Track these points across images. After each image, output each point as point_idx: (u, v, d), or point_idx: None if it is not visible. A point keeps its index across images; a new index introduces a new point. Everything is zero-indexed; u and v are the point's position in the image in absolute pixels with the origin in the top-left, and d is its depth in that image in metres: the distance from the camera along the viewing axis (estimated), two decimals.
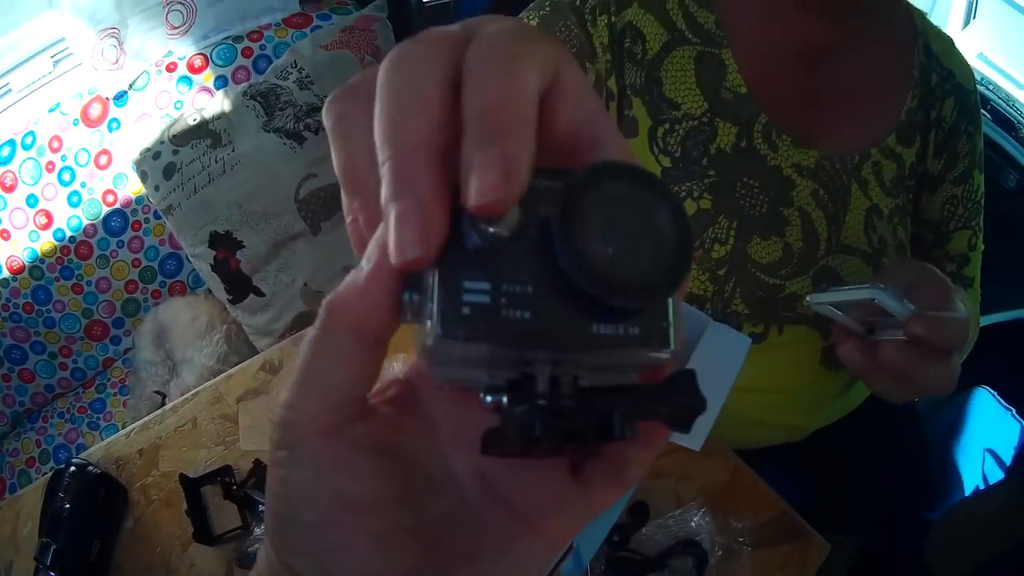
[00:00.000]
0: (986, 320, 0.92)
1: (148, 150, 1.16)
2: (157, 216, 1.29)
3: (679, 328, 0.21)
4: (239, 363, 0.83)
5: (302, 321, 1.25)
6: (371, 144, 0.20)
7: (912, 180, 0.76)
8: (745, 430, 0.81)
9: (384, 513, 0.22)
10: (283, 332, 1.25)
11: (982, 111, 0.84)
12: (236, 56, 1.24)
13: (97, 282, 1.33)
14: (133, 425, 0.79)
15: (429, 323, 0.19)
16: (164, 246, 1.35)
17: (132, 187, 1.28)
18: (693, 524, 0.66)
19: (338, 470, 0.21)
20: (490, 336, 0.19)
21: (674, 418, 0.22)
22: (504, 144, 0.18)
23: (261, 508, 0.69)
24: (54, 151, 1.27)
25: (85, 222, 1.29)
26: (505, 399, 0.21)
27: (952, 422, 1.20)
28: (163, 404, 0.89)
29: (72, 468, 0.74)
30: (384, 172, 0.19)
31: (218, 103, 1.19)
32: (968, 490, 1.14)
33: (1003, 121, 1.29)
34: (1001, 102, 1.30)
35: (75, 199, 1.29)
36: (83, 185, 1.28)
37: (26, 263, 1.30)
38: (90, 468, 0.74)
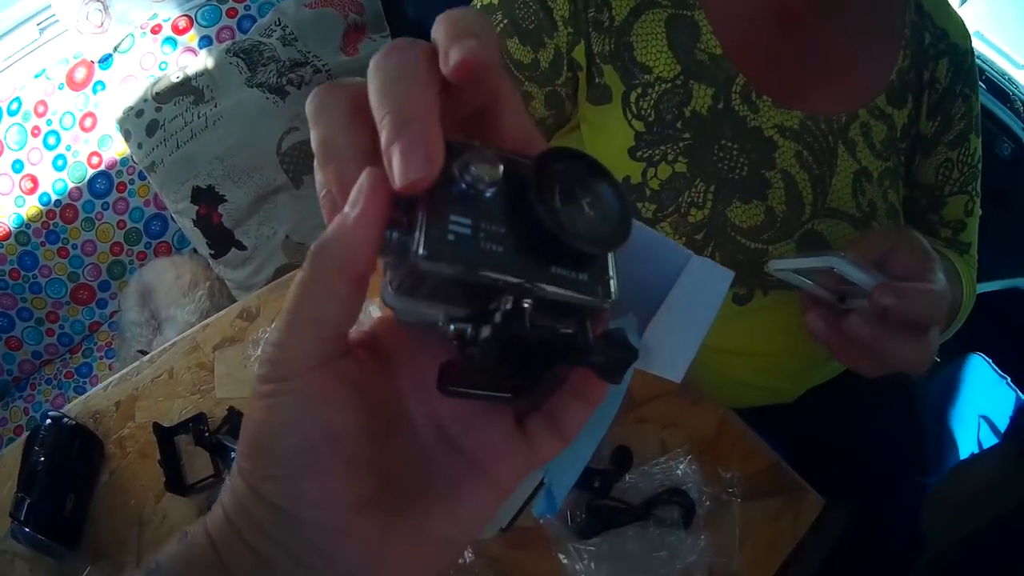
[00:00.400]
0: (981, 288, 0.90)
1: (131, 108, 1.15)
2: (142, 177, 1.29)
3: (619, 284, 0.26)
4: None
5: (283, 273, 1.23)
6: (347, 117, 0.25)
7: (904, 142, 0.74)
8: (730, 391, 0.79)
9: (355, 445, 0.24)
10: (264, 285, 1.23)
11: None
12: (220, 16, 1.23)
13: (83, 245, 1.33)
14: (111, 378, 0.78)
15: (415, 249, 0.22)
16: (149, 207, 1.35)
17: (117, 148, 1.27)
18: (679, 472, 0.64)
19: (324, 400, 0.24)
20: (469, 261, 0.23)
21: (606, 366, 0.25)
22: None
23: (233, 455, 0.68)
24: (39, 116, 1.27)
25: (70, 185, 1.29)
26: (468, 327, 0.24)
27: (947, 389, 1.19)
28: None
29: (48, 421, 0.73)
30: (384, 123, 0.23)
31: (201, 61, 1.18)
32: (964, 456, 1.13)
33: (998, 92, 1.28)
34: (996, 75, 1.28)
35: (60, 163, 1.28)
36: (68, 148, 1.28)
37: (12, 229, 1.30)
38: (65, 420, 0.73)
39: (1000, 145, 1.23)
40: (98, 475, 0.73)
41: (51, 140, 1.27)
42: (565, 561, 0.59)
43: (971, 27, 0.79)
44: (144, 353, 1.18)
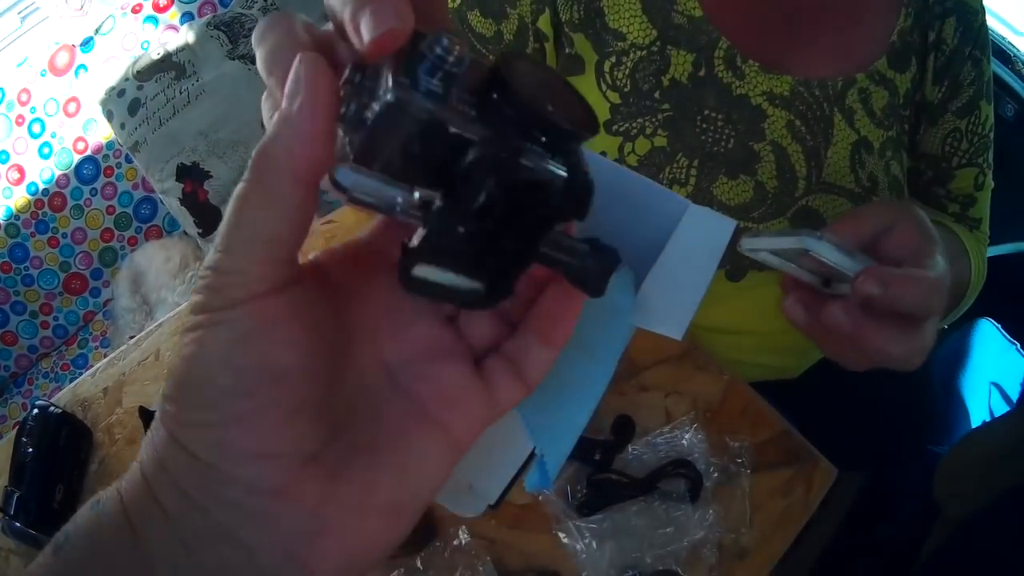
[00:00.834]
0: (989, 252, 0.88)
1: (113, 88, 1.14)
2: (129, 160, 1.27)
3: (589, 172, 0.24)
4: None
5: None
6: (296, 30, 0.23)
7: (907, 110, 0.68)
8: (731, 368, 0.77)
9: (299, 389, 0.21)
10: None
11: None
12: None
13: (73, 233, 1.31)
14: (98, 364, 0.76)
15: (386, 86, 0.20)
16: (137, 190, 1.33)
17: (103, 132, 1.26)
18: (684, 442, 0.62)
19: (268, 333, 0.20)
20: (440, 112, 0.21)
21: (589, 272, 0.25)
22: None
23: None
24: (23, 104, 1.26)
25: (57, 173, 1.27)
26: (438, 196, 0.21)
27: (956, 356, 1.17)
28: None
29: (35, 411, 0.72)
30: (347, 6, 0.21)
31: (182, 36, 1.15)
32: (975, 424, 1.11)
33: (999, 53, 1.25)
34: (996, 34, 1.26)
35: (46, 150, 1.26)
36: (53, 135, 1.26)
37: (1, 221, 1.29)
38: (51, 410, 0.71)
39: (1003, 106, 1.20)
40: (87, 464, 0.71)
41: (36, 128, 1.26)
42: (565, 540, 0.56)
43: None
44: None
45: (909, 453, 1.06)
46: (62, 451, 0.70)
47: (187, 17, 1.19)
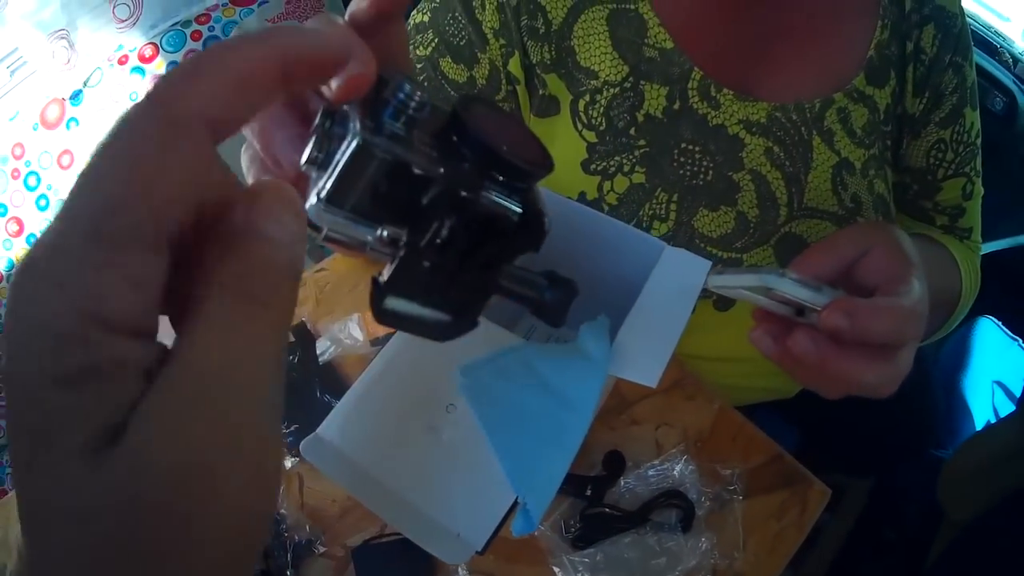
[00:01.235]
0: (983, 249, 0.88)
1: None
2: None
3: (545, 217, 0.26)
4: None
5: None
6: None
7: (889, 125, 0.67)
8: (727, 394, 0.77)
9: None
10: None
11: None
12: (186, 41, 1.22)
13: None
14: None
15: (354, 129, 0.21)
16: None
17: None
18: (676, 473, 0.62)
19: None
20: (407, 152, 0.22)
21: (549, 305, 0.26)
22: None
23: None
24: (17, 158, 1.27)
25: None
26: (404, 233, 0.23)
27: (957, 356, 1.16)
28: None
29: None
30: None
31: None
32: (979, 425, 1.10)
33: (985, 45, 1.24)
34: (981, 28, 1.25)
35: (43, 202, 1.28)
36: (49, 187, 1.27)
37: (3, 273, 1.30)
38: None
39: (992, 100, 1.20)
40: None
41: (31, 181, 1.27)
42: (560, 573, 0.57)
43: None
44: None
45: (914, 457, 1.06)
46: None
47: (172, 66, 1.21)
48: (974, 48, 1.21)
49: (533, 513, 0.42)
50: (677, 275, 0.49)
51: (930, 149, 0.70)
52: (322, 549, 0.61)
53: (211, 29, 1.22)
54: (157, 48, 1.22)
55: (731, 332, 0.70)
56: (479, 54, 0.63)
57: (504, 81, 0.65)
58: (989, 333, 1.16)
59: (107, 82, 1.22)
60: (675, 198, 0.63)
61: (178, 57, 1.21)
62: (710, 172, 0.63)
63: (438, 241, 0.23)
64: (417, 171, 0.22)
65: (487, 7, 0.62)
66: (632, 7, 0.62)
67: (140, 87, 1.21)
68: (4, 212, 1.28)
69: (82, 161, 1.25)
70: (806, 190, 0.64)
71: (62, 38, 1.21)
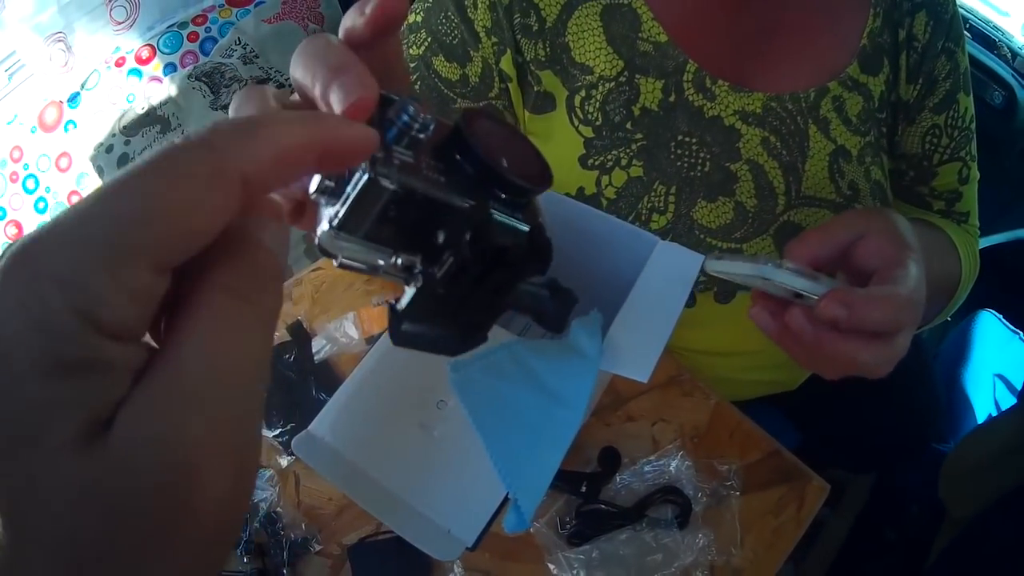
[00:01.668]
0: (984, 243, 0.87)
1: (101, 144, 1.15)
2: None
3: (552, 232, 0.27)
4: None
5: None
6: (266, 103, 0.26)
7: (884, 112, 0.67)
8: (728, 387, 0.76)
9: None
10: None
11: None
12: (182, 42, 1.22)
13: None
14: None
15: (365, 165, 0.22)
16: None
17: (96, 185, 1.27)
18: (672, 469, 0.62)
19: None
20: (416, 182, 0.23)
21: (552, 313, 0.28)
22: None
23: None
24: (15, 161, 1.27)
25: None
26: (418, 260, 0.24)
27: (958, 350, 1.16)
28: None
29: None
30: (317, 79, 0.24)
31: (165, 89, 1.17)
32: (981, 418, 1.10)
33: (984, 40, 1.24)
34: (980, 22, 1.25)
35: (41, 205, 1.28)
36: (48, 190, 1.28)
37: None
38: None
39: (991, 94, 1.20)
40: None
41: (30, 184, 1.28)
42: (556, 571, 0.57)
43: None
44: None
45: (915, 452, 1.05)
46: None
47: (170, 68, 1.21)
48: (973, 42, 1.22)
49: (525, 510, 0.41)
50: (670, 270, 0.49)
51: (925, 135, 0.70)
52: (318, 547, 0.61)
53: (207, 30, 1.23)
54: (154, 50, 1.22)
55: (731, 326, 0.69)
56: (472, 52, 0.63)
57: (497, 79, 0.65)
58: (990, 326, 1.16)
59: (104, 84, 1.22)
60: (673, 190, 0.63)
61: (175, 58, 1.21)
62: (707, 163, 0.63)
63: (450, 274, 0.24)
64: (427, 198, 0.23)
65: (479, 6, 0.62)
66: (625, 2, 0.62)
67: (137, 89, 1.21)
68: (3, 215, 1.29)
69: (80, 164, 1.26)
70: (803, 179, 0.64)
71: (59, 41, 1.22)
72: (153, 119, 1.15)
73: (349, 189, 0.22)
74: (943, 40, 0.66)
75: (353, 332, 0.71)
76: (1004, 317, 1.16)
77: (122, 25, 1.22)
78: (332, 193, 0.23)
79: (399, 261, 0.24)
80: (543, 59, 0.63)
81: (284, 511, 0.62)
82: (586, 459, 0.62)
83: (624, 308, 0.46)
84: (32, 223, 1.28)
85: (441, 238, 0.24)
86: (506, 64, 0.64)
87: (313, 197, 0.24)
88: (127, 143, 1.16)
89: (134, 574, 0.17)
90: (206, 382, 0.18)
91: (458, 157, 0.25)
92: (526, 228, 0.26)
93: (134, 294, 0.17)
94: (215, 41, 1.23)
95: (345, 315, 0.72)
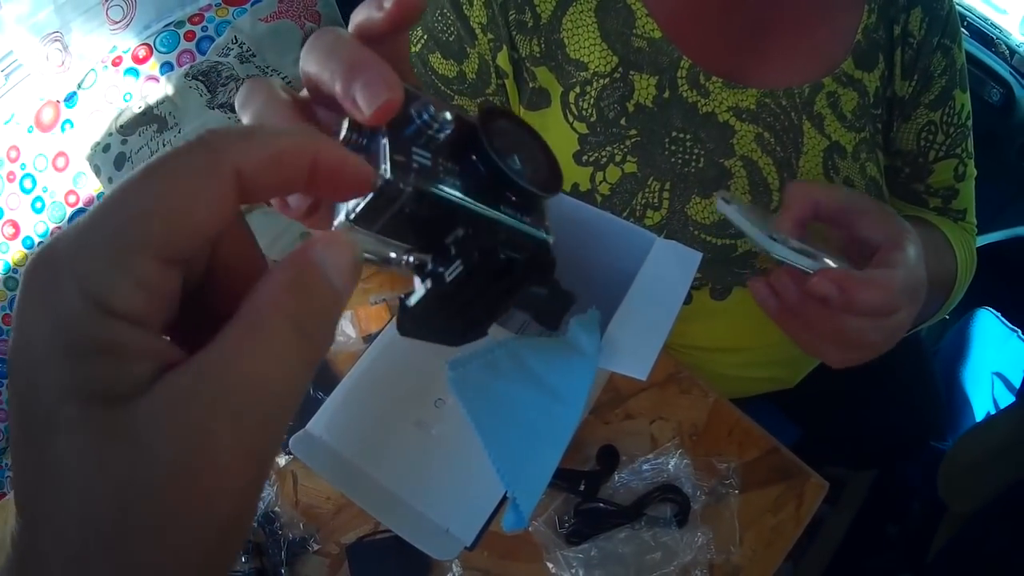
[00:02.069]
0: (982, 240, 0.87)
1: (98, 144, 1.15)
2: None
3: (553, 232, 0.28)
4: None
5: None
6: (273, 95, 0.27)
7: (879, 108, 0.67)
8: (727, 384, 0.76)
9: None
10: None
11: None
12: (179, 41, 1.21)
13: None
14: None
15: (382, 170, 0.23)
16: None
17: (93, 185, 1.27)
18: (671, 467, 0.62)
19: None
20: (431, 185, 0.24)
21: (545, 310, 0.29)
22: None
23: None
24: (12, 161, 1.26)
25: (51, 226, 1.28)
26: (429, 259, 0.25)
27: (957, 348, 1.16)
28: None
29: None
30: (336, 76, 0.24)
31: (162, 88, 1.17)
32: (980, 416, 1.10)
33: (982, 37, 1.24)
34: (978, 19, 1.24)
35: (39, 205, 1.27)
36: (45, 190, 1.27)
37: (0, 276, 1.30)
38: None
39: (989, 91, 1.19)
40: None
41: (27, 183, 1.27)
42: (555, 569, 0.57)
43: None
44: None
45: (915, 450, 1.05)
46: None
47: (167, 67, 1.20)
48: (971, 40, 1.22)
49: (523, 508, 0.41)
50: (668, 267, 0.49)
51: (920, 131, 0.70)
52: (316, 547, 0.61)
53: (204, 29, 1.22)
54: (151, 49, 1.21)
55: (729, 321, 0.69)
56: (468, 49, 0.63)
57: (493, 75, 0.65)
58: (988, 325, 1.16)
59: (101, 84, 1.22)
60: (667, 186, 0.63)
61: (172, 58, 1.21)
62: (701, 159, 0.63)
63: (458, 282, 0.25)
64: (442, 198, 0.24)
65: (474, 3, 0.62)
66: None
67: (134, 88, 1.21)
68: (0, 215, 1.28)
69: (77, 163, 1.25)
70: (798, 175, 0.64)
71: (56, 40, 1.21)
72: (150, 118, 1.15)
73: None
74: (939, 36, 0.66)
75: (350, 330, 0.71)
76: (1002, 315, 1.16)
77: (119, 24, 1.22)
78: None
79: (411, 258, 0.26)
80: (538, 55, 0.63)
81: (282, 510, 0.62)
82: (585, 457, 0.62)
83: (622, 306, 0.46)
84: (29, 223, 1.28)
85: (453, 250, 0.25)
86: (502, 60, 0.64)
87: None
88: (124, 142, 1.15)
89: (145, 560, 0.17)
90: (239, 391, 0.19)
91: (473, 158, 0.26)
92: (534, 233, 0.27)
93: (142, 282, 0.18)
94: (212, 40, 1.22)
95: (343, 313, 0.72)
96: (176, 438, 0.17)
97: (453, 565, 0.59)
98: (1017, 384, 1.10)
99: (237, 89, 1.17)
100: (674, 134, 0.63)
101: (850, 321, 0.44)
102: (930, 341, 1.24)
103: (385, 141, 0.24)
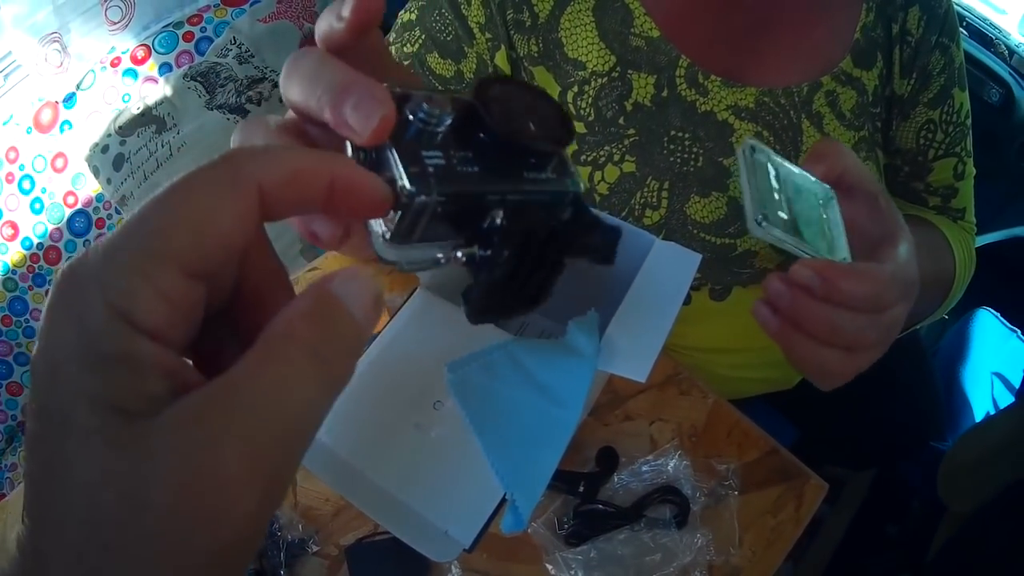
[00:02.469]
0: (981, 240, 0.87)
1: (96, 145, 1.15)
2: (119, 212, 1.28)
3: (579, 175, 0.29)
4: None
5: None
6: (268, 133, 0.28)
7: (878, 107, 0.67)
8: (726, 385, 0.76)
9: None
10: None
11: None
12: (178, 42, 1.21)
13: None
14: None
15: (402, 187, 0.23)
16: None
17: (92, 186, 1.27)
18: (670, 468, 0.62)
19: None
20: (456, 186, 0.24)
21: (603, 247, 0.29)
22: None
23: None
24: (11, 162, 1.27)
25: (50, 227, 1.28)
26: (476, 247, 0.26)
27: (956, 348, 1.16)
28: None
29: None
30: (323, 101, 0.24)
31: (160, 89, 1.17)
32: (979, 417, 1.10)
33: (981, 38, 1.24)
34: (977, 19, 1.25)
35: (37, 206, 1.27)
36: (44, 191, 1.27)
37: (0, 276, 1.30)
38: None
39: (988, 91, 1.19)
40: None
41: (26, 184, 1.27)
42: (554, 571, 0.57)
43: None
44: None
45: (915, 450, 1.05)
46: None
47: (165, 68, 1.20)
48: (971, 40, 1.22)
49: (522, 510, 0.41)
50: (667, 269, 0.49)
51: (920, 130, 0.70)
52: (315, 548, 0.61)
53: (203, 30, 1.22)
54: (149, 50, 1.21)
55: (729, 321, 0.69)
56: (466, 48, 0.63)
57: (489, 72, 0.65)
58: (988, 325, 1.16)
59: (100, 85, 1.22)
60: (666, 186, 0.63)
61: (170, 59, 1.21)
62: (700, 159, 0.63)
63: (510, 264, 0.26)
64: (470, 193, 0.25)
65: (472, 3, 0.62)
66: None
67: (133, 89, 1.21)
68: None
69: (76, 164, 1.25)
70: None
71: (55, 41, 1.21)
72: (149, 119, 1.15)
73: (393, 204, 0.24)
74: (937, 35, 0.66)
75: None
76: (1002, 315, 1.16)
77: (117, 25, 1.22)
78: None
79: (459, 254, 0.26)
80: (536, 55, 0.63)
81: (281, 512, 0.62)
82: (584, 459, 0.62)
83: (621, 307, 0.46)
84: (28, 224, 1.28)
85: (496, 237, 0.26)
86: (500, 60, 0.64)
87: None
88: (122, 143, 1.15)
89: (147, 571, 0.18)
90: (251, 418, 0.19)
91: (481, 135, 0.26)
92: (564, 189, 0.28)
93: (166, 295, 0.19)
94: (210, 41, 1.22)
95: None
96: (183, 457, 0.18)
97: (452, 567, 0.59)
98: (1017, 384, 1.10)
99: (235, 90, 1.18)
100: (673, 133, 0.63)
101: (842, 315, 0.42)
102: (929, 341, 1.24)
103: (394, 154, 0.24)
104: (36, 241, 1.28)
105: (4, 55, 1.25)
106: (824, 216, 0.47)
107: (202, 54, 1.21)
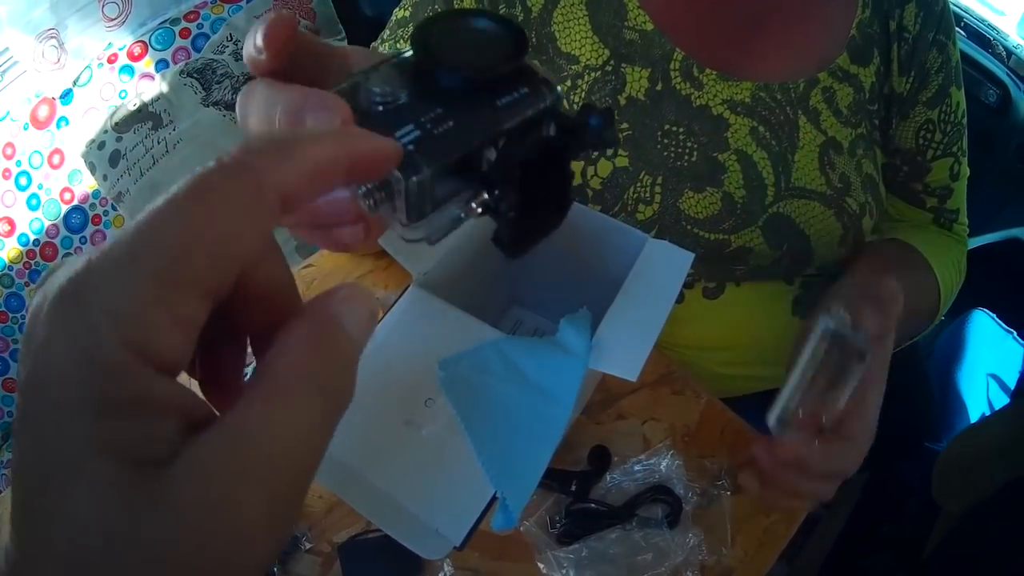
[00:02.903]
0: (977, 242, 0.87)
1: (93, 141, 1.15)
2: (115, 208, 1.28)
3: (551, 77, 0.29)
4: None
5: None
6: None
7: (875, 104, 0.67)
8: (717, 383, 0.76)
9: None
10: None
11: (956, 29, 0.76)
12: (174, 38, 1.21)
13: None
14: None
15: (395, 176, 0.23)
16: None
17: (88, 182, 1.27)
18: (663, 468, 0.62)
19: None
20: (440, 152, 0.24)
21: (603, 133, 0.28)
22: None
23: None
24: (8, 158, 1.26)
25: (47, 223, 1.28)
26: (485, 194, 0.26)
27: (951, 349, 1.16)
28: None
29: None
30: (281, 121, 0.24)
31: (157, 86, 1.17)
32: (974, 418, 1.10)
33: (979, 38, 1.24)
34: (975, 20, 1.25)
35: (34, 202, 1.27)
36: (40, 187, 1.27)
37: None
38: None
39: (985, 92, 1.19)
40: None
41: (23, 180, 1.27)
42: (546, 570, 0.56)
43: None
44: None
45: (909, 451, 1.06)
46: None
47: (162, 65, 1.20)
48: (968, 41, 1.22)
49: (512, 508, 0.41)
50: (660, 267, 0.49)
51: (919, 130, 0.70)
52: (308, 545, 0.61)
53: (200, 27, 1.22)
54: (146, 46, 1.21)
55: (722, 319, 0.69)
56: None
57: None
58: (983, 326, 1.16)
59: (97, 81, 1.22)
60: (660, 180, 0.62)
61: (167, 55, 1.21)
62: (694, 153, 0.63)
63: (520, 193, 0.26)
64: (461, 154, 0.25)
65: (465, 1, 0.62)
66: None
67: (130, 86, 1.21)
68: None
69: (72, 160, 1.25)
70: (793, 170, 0.64)
71: (52, 38, 1.21)
72: (145, 115, 1.15)
73: (390, 194, 0.24)
74: (934, 32, 0.66)
75: None
76: (997, 316, 1.16)
77: (114, 22, 1.21)
78: (379, 188, 0.24)
79: (474, 205, 0.26)
80: (529, 50, 0.63)
81: None
82: (576, 458, 0.62)
83: (613, 306, 0.46)
84: (24, 220, 1.27)
85: (496, 175, 0.26)
86: None
87: (361, 201, 0.25)
88: (119, 139, 1.15)
89: None
90: (268, 462, 0.18)
91: (440, 85, 0.26)
92: (543, 103, 0.27)
93: (184, 323, 0.17)
94: (207, 37, 1.22)
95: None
96: (203, 512, 0.17)
97: (444, 564, 0.59)
98: (1012, 385, 1.10)
99: (232, 87, 1.18)
100: (667, 127, 0.62)
101: (798, 477, 0.52)
102: (925, 342, 1.24)
103: None
104: (32, 237, 1.28)
105: (1, 51, 1.25)
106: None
107: (199, 51, 1.21)
